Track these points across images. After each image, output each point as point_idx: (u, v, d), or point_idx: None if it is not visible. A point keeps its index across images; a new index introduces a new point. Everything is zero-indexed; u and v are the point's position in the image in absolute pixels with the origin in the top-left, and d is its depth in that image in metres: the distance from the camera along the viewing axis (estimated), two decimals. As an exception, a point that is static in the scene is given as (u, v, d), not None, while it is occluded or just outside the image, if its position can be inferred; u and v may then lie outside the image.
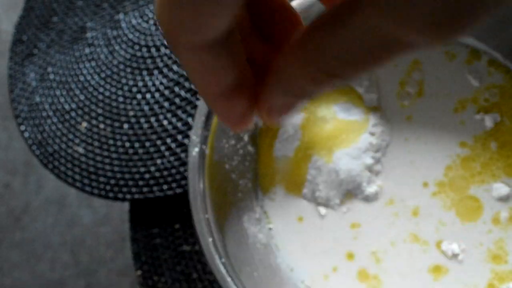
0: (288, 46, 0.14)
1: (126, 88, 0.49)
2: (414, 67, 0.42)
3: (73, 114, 0.51)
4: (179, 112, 0.47)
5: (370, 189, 0.40)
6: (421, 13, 0.11)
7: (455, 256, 0.38)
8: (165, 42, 0.49)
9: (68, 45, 0.54)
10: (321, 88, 0.14)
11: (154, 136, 0.47)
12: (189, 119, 0.46)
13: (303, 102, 0.15)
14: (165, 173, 0.46)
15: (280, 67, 0.14)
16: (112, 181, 0.47)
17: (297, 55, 0.13)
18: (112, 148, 0.48)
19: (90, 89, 0.51)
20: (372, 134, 0.41)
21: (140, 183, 0.46)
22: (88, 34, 0.54)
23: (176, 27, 0.13)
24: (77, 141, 0.49)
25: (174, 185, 0.46)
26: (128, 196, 0.46)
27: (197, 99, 0.46)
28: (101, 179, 0.48)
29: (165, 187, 0.46)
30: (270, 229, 0.42)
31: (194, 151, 0.37)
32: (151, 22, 0.51)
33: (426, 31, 0.11)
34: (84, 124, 0.50)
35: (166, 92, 0.48)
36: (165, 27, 0.13)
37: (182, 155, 0.46)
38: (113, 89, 0.50)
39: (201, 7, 0.12)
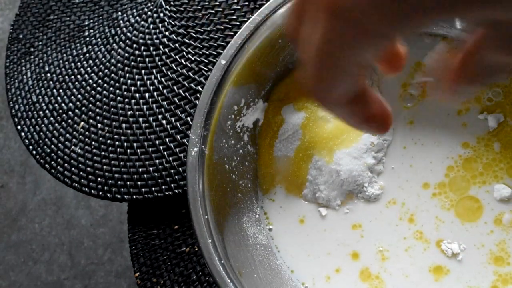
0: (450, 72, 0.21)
1: (124, 87, 0.49)
2: (417, 69, 0.42)
3: (70, 113, 0.50)
4: (178, 111, 0.46)
5: (372, 190, 0.40)
6: None
7: (455, 255, 0.38)
8: (164, 40, 0.49)
9: (66, 43, 0.54)
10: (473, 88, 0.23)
11: (153, 136, 0.46)
12: (189, 119, 0.46)
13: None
14: (164, 173, 0.45)
15: (450, 83, 0.21)
16: (111, 182, 0.47)
17: (459, 75, 0.21)
18: (111, 148, 0.47)
19: (88, 88, 0.51)
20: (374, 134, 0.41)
21: (139, 183, 0.46)
22: (86, 33, 0.53)
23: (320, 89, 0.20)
24: (74, 141, 0.49)
25: (173, 185, 0.45)
26: (126, 197, 0.46)
27: (197, 98, 0.46)
28: (99, 179, 0.47)
29: (164, 187, 0.45)
30: (270, 230, 0.42)
31: (194, 151, 0.37)
32: (150, 20, 0.50)
33: None
34: (82, 123, 0.49)
35: (165, 91, 0.47)
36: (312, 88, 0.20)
37: (181, 155, 0.45)
38: (111, 89, 0.49)
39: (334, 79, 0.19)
